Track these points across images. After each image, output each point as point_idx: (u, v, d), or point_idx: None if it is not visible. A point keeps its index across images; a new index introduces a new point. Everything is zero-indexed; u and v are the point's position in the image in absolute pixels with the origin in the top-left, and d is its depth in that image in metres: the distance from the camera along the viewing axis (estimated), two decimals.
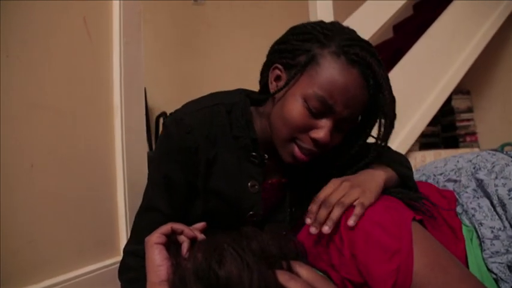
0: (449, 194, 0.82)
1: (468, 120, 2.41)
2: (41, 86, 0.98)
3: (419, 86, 1.89)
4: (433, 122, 2.35)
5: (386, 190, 0.72)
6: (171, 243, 0.61)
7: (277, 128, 0.76)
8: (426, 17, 2.27)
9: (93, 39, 1.15)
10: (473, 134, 2.41)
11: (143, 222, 0.81)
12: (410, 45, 1.91)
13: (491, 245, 0.71)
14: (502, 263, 0.68)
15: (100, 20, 1.19)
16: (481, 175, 0.80)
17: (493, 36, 2.11)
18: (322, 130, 0.72)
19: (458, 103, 2.42)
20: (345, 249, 0.60)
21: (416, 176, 0.95)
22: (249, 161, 0.80)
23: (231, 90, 0.88)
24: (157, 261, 0.57)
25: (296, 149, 0.75)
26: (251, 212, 0.81)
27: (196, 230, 0.64)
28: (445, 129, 2.47)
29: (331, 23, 0.78)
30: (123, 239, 1.17)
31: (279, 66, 0.77)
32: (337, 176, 0.73)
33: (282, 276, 0.49)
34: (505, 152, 0.88)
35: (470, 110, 2.44)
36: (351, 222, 0.61)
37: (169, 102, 2.60)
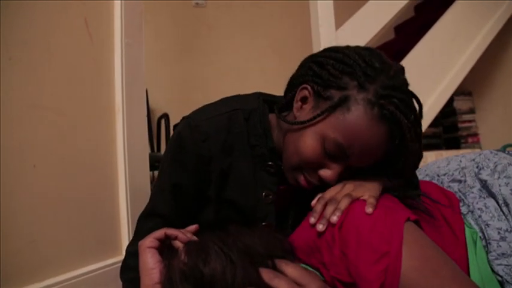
0: (451, 195, 0.81)
1: (470, 121, 2.41)
2: (42, 87, 0.98)
3: (421, 87, 1.88)
4: (435, 123, 2.35)
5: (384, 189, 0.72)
6: (164, 247, 0.61)
7: (289, 153, 0.73)
8: (428, 18, 2.26)
9: (94, 40, 1.15)
10: (475, 135, 2.41)
11: (146, 226, 0.80)
12: (412, 46, 1.91)
13: (497, 246, 0.70)
14: (508, 265, 0.67)
15: (101, 20, 1.20)
16: (484, 175, 0.79)
17: (494, 38, 2.11)
18: (330, 171, 0.70)
19: (460, 104, 2.42)
20: (336, 248, 0.60)
21: (419, 177, 0.94)
22: (264, 170, 0.78)
23: (248, 94, 0.85)
24: (150, 264, 0.58)
25: (301, 178, 0.73)
26: (264, 223, 0.80)
27: (189, 232, 0.65)
28: (447, 131, 2.47)
29: (378, 57, 0.69)
30: (124, 238, 1.17)
31: (309, 88, 0.71)
32: None
33: (266, 274, 0.49)
34: (506, 152, 0.87)
35: (472, 111, 2.44)
36: (369, 209, 0.60)
37: (170, 103, 2.61)
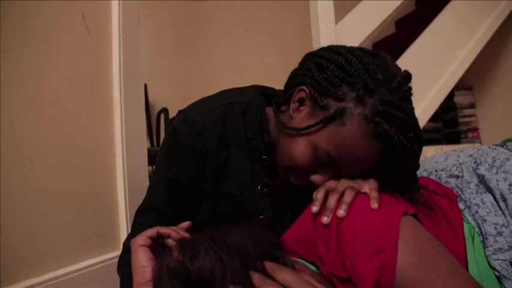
0: (449, 190, 0.81)
1: (470, 116, 2.41)
2: (40, 82, 0.98)
3: (421, 81, 1.88)
4: (435, 118, 2.34)
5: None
6: (156, 245, 0.61)
7: (282, 155, 0.74)
8: (429, 12, 2.25)
9: (92, 34, 1.14)
10: (475, 129, 2.41)
11: (142, 220, 0.80)
12: (413, 40, 1.90)
13: (494, 241, 0.70)
14: (505, 260, 0.67)
15: (99, 15, 1.19)
16: (482, 170, 0.79)
17: (495, 33, 2.10)
18: (321, 177, 0.70)
19: (461, 99, 2.41)
20: (332, 243, 0.60)
21: (418, 172, 0.94)
22: (259, 163, 0.78)
23: (244, 87, 0.84)
24: (141, 262, 0.58)
25: (293, 178, 0.74)
26: (261, 216, 0.80)
27: (182, 230, 0.65)
28: (447, 125, 2.47)
29: (382, 65, 0.67)
30: (123, 232, 1.17)
31: (306, 91, 0.70)
32: None
33: (257, 280, 0.48)
34: (505, 147, 0.87)
35: (472, 105, 2.43)
36: (375, 205, 0.60)
37: (170, 98, 2.61)
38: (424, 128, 1.90)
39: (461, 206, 0.78)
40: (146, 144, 1.31)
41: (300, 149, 0.69)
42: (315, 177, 0.70)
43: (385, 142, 0.64)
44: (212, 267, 0.46)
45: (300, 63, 0.78)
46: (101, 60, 1.17)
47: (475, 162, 0.83)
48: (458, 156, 0.89)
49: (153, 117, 2.52)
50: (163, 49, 2.68)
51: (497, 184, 0.75)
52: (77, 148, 1.07)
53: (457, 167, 0.86)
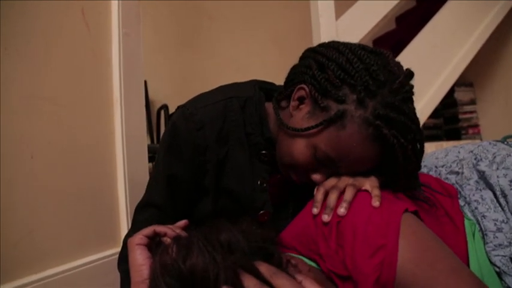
0: (449, 187, 0.81)
1: (471, 112, 2.40)
2: (39, 78, 0.98)
3: (421, 78, 1.86)
4: (436, 114, 2.34)
5: None
6: (153, 244, 0.61)
7: (281, 152, 0.74)
8: (429, 8, 2.24)
9: (92, 30, 1.14)
10: (476, 126, 2.40)
11: (142, 217, 0.80)
12: (413, 36, 1.89)
13: (494, 237, 0.70)
14: (505, 256, 0.67)
15: (98, 11, 1.19)
16: (482, 166, 0.79)
17: (496, 29, 2.09)
18: (320, 176, 0.71)
19: (461, 95, 2.40)
20: (332, 240, 0.60)
21: None
22: (259, 159, 0.78)
23: (243, 82, 0.84)
24: (139, 260, 0.58)
25: (294, 175, 0.74)
26: (261, 211, 0.79)
27: (179, 228, 0.64)
28: (448, 122, 2.46)
29: (384, 65, 0.66)
30: (123, 229, 1.17)
31: (307, 90, 0.69)
32: None
33: (252, 286, 0.46)
34: (506, 143, 0.87)
35: (473, 102, 2.42)
36: (376, 203, 0.60)
37: (170, 94, 2.60)
38: (424, 124, 1.90)
39: (461, 202, 0.78)
40: (146, 140, 1.31)
41: (300, 148, 0.70)
42: (315, 176, 0.71)
43: (385, 145, 0.64)
44: (205, 266, 0.45)
45: (300, 59, 0.77)
46: (101, 57, 1.17)
47: (475, 159, 0.82)
48: (459, 152, 0.89)
49: (153, 114, 2.52)
50: (163, 46, 2.68)
51: (498, 180, 0.75)
52: (77, 145, 1.07)
53: (457, 163, 0.86)
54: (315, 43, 0.89)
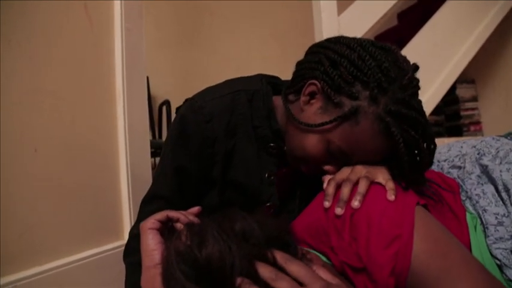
0: (452, 182, 0.81)
1: (473, 109, 2.39)
2: (43, 71, 0.98)
3: (423, 74, 1.84)
4: (437, 111, 2.33)
5: None
6: (165, 229, 0.61)
7: (292, 146, 0.75)
8: (431, 5, 2.24)
9: (94, 25, 1.15)
10: (478, 123, 2.39)
11: (148, 209, 0.79)
12: (415, 33, 1.89)
13: (495, 231, 0.70)
14: (506, 249, 0.68)
15: (101, 6, 1.19)
16: (485, 161, 0.79)
17: (498, 25, 2.08)
18: (333, 167, 0.72)
19: (463, 92, 2.40)
20: (346, 232, 0.60)
21: None
22: (267, 151, 0.78)
23: (250, 76, 0.84)
24: (151, 245, 0.57)
25: (304, 167, 0.75)
26: (268, 204, 0.80)
27: (191, 214, 0.64)
28: (449, 119, 2.46)
29: (394, 61, 0.67)
30: (126, 223, 1.18)
31: (318, 86, 0.70)
32: None
33: (268, 273, 0.47)
34: (509, 138, 0.87)
35: (475, 99, 2.41)
36: (392, 197, 0.60)
37: (171, 90, 2.60)
38: None
39: (462, 196, 0.78)
40: (149, 135, 1.32)
41: (313, 143, 0.71)
42: (328, 167, 0.72)
43: (397, 140, 0.65)
44: (221, 255, 0.45)
45: (308, 54, 0.77)
46: (103, 51, 1.18)
47: (478, 153, 0.83)
48: (461, 147, 0.89)
49: (155, 110, 2.52)
50: (165, 42, 2.68)
51: (501, 175, 0.75)
52: (80, 138, 1.07)
53: (459, 158, 0.86)
54: (317, 39, 0.90)
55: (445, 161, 0.89)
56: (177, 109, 0.82)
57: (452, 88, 2.20)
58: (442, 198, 0.75)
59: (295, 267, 0.49)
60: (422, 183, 0.73)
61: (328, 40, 0.75)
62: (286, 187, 0.84)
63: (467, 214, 0.74)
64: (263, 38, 2.80)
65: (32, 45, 0.96)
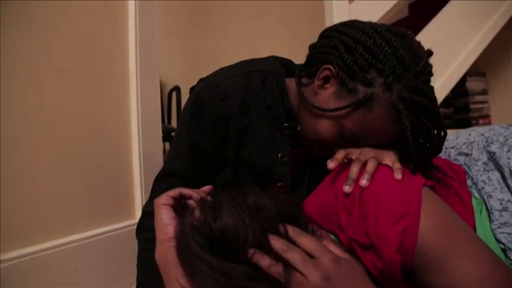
0: (458, 168, 0.82)
1: (482, 102, 2.37)
2: (60, 51, 1.00)
3: (433, 64, 1.85)
4: (446, 103, 2.32)
5: None
6: (178, 206, 0.62)
7: (306, 128, 0.76)
8: None
9: (109, 5, 1.16)
10: (487, 116, 2.38)
11: (161, 186, 0.80)
12: (425, 24, 1.87)
13: (500, 216, 0.71)
14: (510, 234, 0.69)
15: None
16: (493, 148, 0.80)
17: (510, 18, 2.06)
18: (344, 149, 0.72)
19: (473, 85, 2.37)
20: (355, 210, 0.61)
21: None
22: (280, 131, 0.79)
23: (263, 57, 0.85)
24: (164, 220, 0.59)
25: (316, 148, 0.77)
26: (280, 183, 0.81)
27: (204, 192, 0.66)
28: (458, 111, 2.44)
29: (409, 48, 0.68)
30: (137, 202, 1.20)
31: (333, 70, 0.70)
32: None
33: (279, 245, 0.48)
34: None
35: (484, 92, 2.39)
36: (398, 176, 0.62)
37: (181, 76, 2.61)
38: None
39: (468, 182, 0.79)
40: (160, 114, 1.33)
41: (326, 127, 0.72)
42: (339, 149, 0.72)
43: (405, 127, 0.66)
44: (235, 226, 0.46)
45: (322, 38, 0.78)
46: (117, 32, 1.19)
47: (486, 141, 0.83)
48: (469, 135, 0.89)
49: (165, 95, 2.53)
50: (175, 28, 2.67)
51: (508, 162, 0.75)
52: (94, 116, 1.09)
53: (467, 145, 0.87)
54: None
55: (452, 148, 0.89)
56: (191, 89, 0.83)
57: (463, 81, 2.19)
58: (448, 183, 0.76)
59: (306, 241, 0.51)
60: (430, 168, 0.74)
61: (343, 24, 0.75)
62: (296, 169, 0.85)
63: (473, 199, 0.75)
64: (274, 26, 2.79)
65: (49, 23, 0.97)
